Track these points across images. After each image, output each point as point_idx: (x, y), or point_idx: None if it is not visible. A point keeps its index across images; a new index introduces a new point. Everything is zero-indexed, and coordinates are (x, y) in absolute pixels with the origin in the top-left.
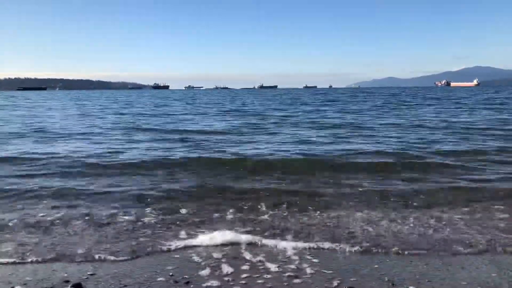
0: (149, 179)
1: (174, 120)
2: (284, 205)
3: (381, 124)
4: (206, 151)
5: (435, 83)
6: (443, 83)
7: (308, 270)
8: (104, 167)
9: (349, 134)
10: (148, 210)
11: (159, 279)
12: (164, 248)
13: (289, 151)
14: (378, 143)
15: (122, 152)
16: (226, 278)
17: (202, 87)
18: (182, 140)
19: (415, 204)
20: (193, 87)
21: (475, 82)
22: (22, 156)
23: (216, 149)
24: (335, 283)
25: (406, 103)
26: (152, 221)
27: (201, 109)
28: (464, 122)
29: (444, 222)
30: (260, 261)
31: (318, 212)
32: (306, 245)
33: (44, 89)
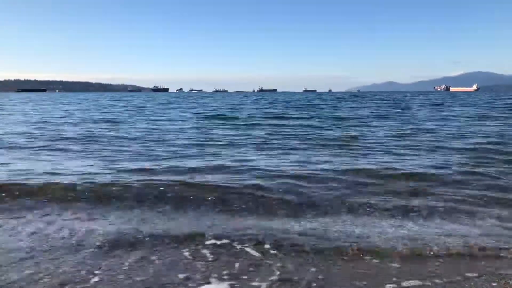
0: None
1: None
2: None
3: None
4: None
5: (434, 87)
6: (442, 88)
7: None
8: None
9: None
10: None
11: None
12: None
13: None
14: None
15: None
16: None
17: (201, 89)
18: None
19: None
20: (191, 90)
21: (474, 87)
22: None
23: None
24: None
25: None
26: None
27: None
28: None
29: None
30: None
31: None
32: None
33: (44, 91)
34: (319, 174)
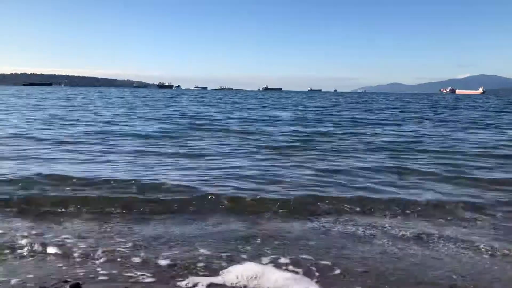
0: None
1: None
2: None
3: None
4: None
5: (440, 90)
6: (448, 90)
7: None
8: None
9: None
10: None
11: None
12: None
13: None
14: None
15: None
16: None
17: (206, 87)
18: None
19: None
20: (196, 87)
21: (480, 90)
22: None
23: None
24: None
25: None
26: None
27: None
28: None
29: None
30: None
31: None
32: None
33: (50, 85)
34: None
